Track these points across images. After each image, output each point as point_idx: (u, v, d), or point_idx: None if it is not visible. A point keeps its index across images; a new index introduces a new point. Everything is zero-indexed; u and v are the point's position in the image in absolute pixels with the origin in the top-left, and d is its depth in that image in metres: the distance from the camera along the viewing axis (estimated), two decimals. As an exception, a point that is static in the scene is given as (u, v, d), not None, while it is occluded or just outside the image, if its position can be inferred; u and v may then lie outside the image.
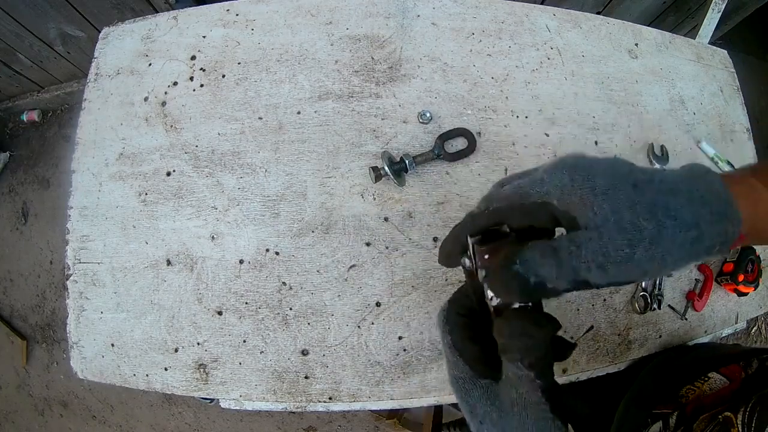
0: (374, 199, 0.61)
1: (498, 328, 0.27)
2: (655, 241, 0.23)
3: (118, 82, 0.68)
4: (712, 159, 0.72)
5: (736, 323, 0.70)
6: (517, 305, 0.27)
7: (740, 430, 0.38)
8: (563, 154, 0.28)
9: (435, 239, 0.61)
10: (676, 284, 0.67)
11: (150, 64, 0.68)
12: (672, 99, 0.73)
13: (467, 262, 0.31)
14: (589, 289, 0.25)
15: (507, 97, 0.66)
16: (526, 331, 0.26)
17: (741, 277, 0.65)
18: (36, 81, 1.70)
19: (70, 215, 0.64)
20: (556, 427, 0.26)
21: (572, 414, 0.27)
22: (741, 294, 0.68)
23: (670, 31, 0.78)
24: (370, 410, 1.36)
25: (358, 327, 0.59)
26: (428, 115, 0.62)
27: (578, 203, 0.25)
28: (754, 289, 0.67)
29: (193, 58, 0.67)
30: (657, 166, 0.66)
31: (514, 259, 0.25)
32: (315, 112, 0.64)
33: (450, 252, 0.32)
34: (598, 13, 1.44)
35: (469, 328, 0.30)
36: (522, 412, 0.27)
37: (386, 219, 0.61)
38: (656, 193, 0.24)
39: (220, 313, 0.59)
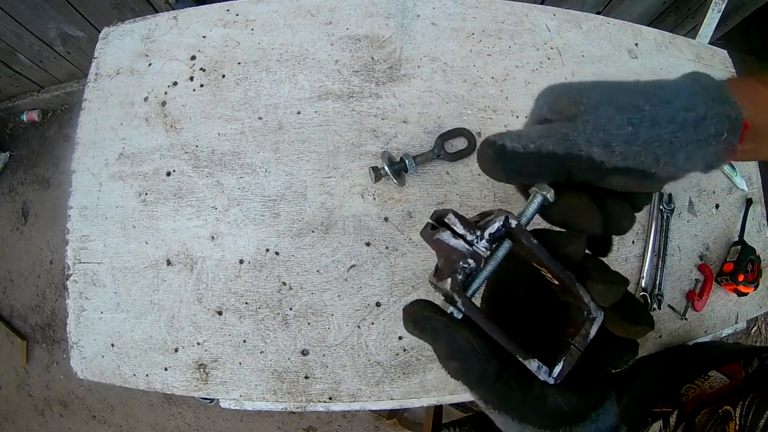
0: (374, 199, 0.61)
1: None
2: (656, 122, 0.24)
3: (118, 82, 0.68)
4: None
5: (736, 323, 0.70)
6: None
7: (738, 422, 0.39)
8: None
9: (435, 239, 0.61)
10: (676, 284, 0.67)
11: (150, 64, 0.68)
12: (672, 99, 0.73)
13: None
14: (601, 175, 0.24)
15: (507, 97, 0.66)
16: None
17: (741, 277, 0.65)
18: (36, 81, 1.70)
19: (70, 215, 0.64)
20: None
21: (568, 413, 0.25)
22: (741, 294, 0.68)
23: (670, 31, 0.78)
24: (370, 410, 1.36)
25: (358, 327, 0.59)
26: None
27: (566, 103, 0.25)
28: (754, 289, 0.67)
29: (193, 58, 0.67)
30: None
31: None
32: (315, 112, 0.64)
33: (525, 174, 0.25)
34: (598, 13, 1.44)
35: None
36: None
37: (386, 219, 0.61)
38: (647, 86, 0.25)
39: (220, 313, 0.59)
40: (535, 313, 0.27)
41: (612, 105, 0.24)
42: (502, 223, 0.24)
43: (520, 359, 0.24)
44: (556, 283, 0.25)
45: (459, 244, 0.24)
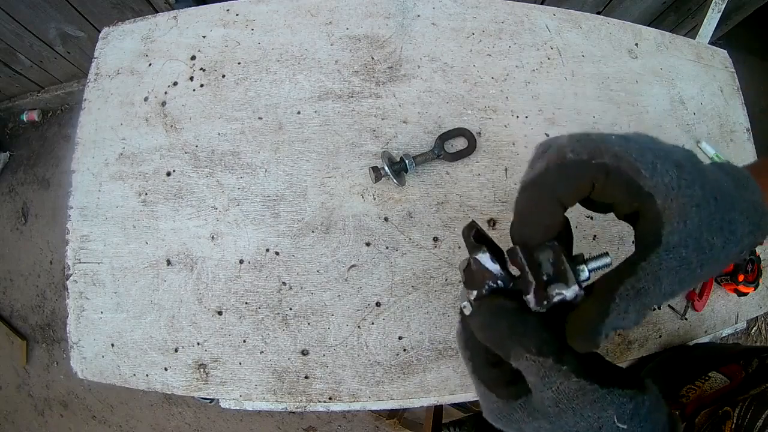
0: (374, 199, 0.61)
1: (476, 327, 0.26)
2: (717, 258, 0.23)
3: (118, 82, 0.68)
4: (711, 159, 0.72)
5: (736, 323, 0.70)
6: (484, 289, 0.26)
7: (735, 422, 0.39)
8: (665, 141, 0.25)
9: (435, 239, 0.61)
10: (676, 284, 0.67)
11: (150, 64, 0.68)
12: (672, 99, 0.73)
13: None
14: None
15: (507, 97, 0.66)
16: (499, 308, 0.24)
17: (741, 277, 0.65)
18: (36, 81, 1.71)
19: (70, 215, 0.64)
20: (619, 396, 0.23)
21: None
22: (741, 294, 0.67)
23: (670, 31, 0.78)
24: (370, 410, 1.36)
25: (358, 327, 0.59)
26: None
27: (676, 210, 0.23)
28: (754, 289, 0.67)
29: (193, 58, 0.67)
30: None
31: (599, 329, 0.22)
32: (315, 112, 0.64)
33: (540, 217, 0.25)
34: (598, 13, 1.44)
35: (489, 351, 0.27)
36: (569, 405, 0.23)
37: (386, 219, 0.61)
38: (725, 207, 0.24)
39: (220, 313, 0.59)
40: None
41: (697, 242, 0.23)
42: (573, 296, 0.24)
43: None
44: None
45: (495, 268, 0.26)
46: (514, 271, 0.26)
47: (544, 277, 0.25)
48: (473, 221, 0.28)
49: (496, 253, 0.27)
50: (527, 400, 0.25)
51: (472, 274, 0.27)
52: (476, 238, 0.27)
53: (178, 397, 1.51)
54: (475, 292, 0.26)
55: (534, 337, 0.24)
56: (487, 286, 0.26)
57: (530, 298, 0.24)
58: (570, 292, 0.24)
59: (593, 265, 0.26)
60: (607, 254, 0.26)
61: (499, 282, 0.26)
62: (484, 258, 0.26)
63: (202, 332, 0.59)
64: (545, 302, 0.24)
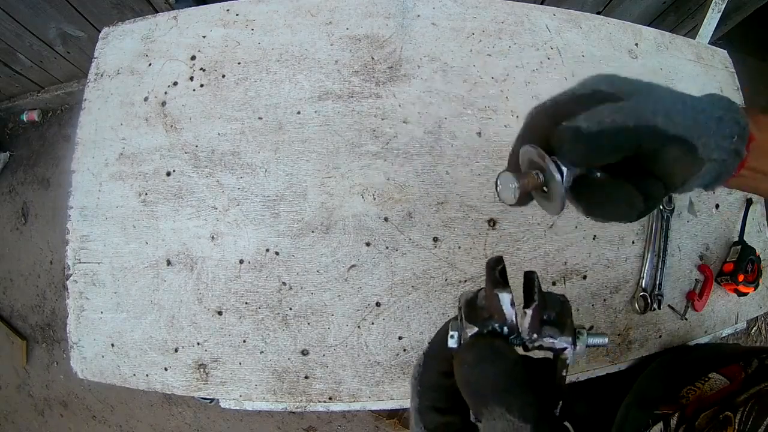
0: (374, 199, 0.61)
1: (462, 363, 0.23)
2: (696, 109, 0.26)
3: (118, 82, 0.68)
4: None
5: (736, 323, 0.70)
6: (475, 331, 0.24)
7: (736, 428, 0.39)
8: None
9: (435, 239, 0.61)
10: (676, 284, 0.67)
11: (150, 64, 0.68)
12: (672, 99, 0.73)
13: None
14: (662, 144, 0.25)
15: (507, 97, 0.66)
16: (496, 353, 0.22)
17: (741, 277, 0.65)
18: (36, 81, 1.70)
19: (70, 215, 0.64)
20: None
21: (572, 415, 0.25)
22: (741, 294, 0.67)
23: (670, 31, 0.78)
24: (370, 410, 1.36)
25: (358, 327, 0.59)
26: None
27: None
28: (754, 289, 0.67)
29: (193, 58, 0.67)
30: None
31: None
32: (315, 112, 0.64)
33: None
34: (598, 13, 1.44)
35: (444, 393, 0.26)
36: None
37: (386, 219, 0.61)
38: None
39: (220, 313, 0.59)
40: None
41: (661, 89, 0.27)
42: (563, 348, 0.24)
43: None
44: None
45: (510, 313, 0.24)
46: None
47: (545, 316, 0.24)
48: (501, 257, 0.26)
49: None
50: None
51: (475, 310, 0.25)
52: (501, 275, 0.25)
53: (178, 397, 1.51)
54: (475, 329, 0.24)
55: (521, 397, 0.22)
56: (490, 327, 0.24)
57: (527, 318, 0.23)
58: (561, 342, 0.24)
59: (592, 340, 0.25)
60: (606, 335, 0.26)
61: (504, 328, 0.24)
62: (506, 298, 0.23)
63: (202, 332, 0.59)
64: (535, 335, 0.24)
